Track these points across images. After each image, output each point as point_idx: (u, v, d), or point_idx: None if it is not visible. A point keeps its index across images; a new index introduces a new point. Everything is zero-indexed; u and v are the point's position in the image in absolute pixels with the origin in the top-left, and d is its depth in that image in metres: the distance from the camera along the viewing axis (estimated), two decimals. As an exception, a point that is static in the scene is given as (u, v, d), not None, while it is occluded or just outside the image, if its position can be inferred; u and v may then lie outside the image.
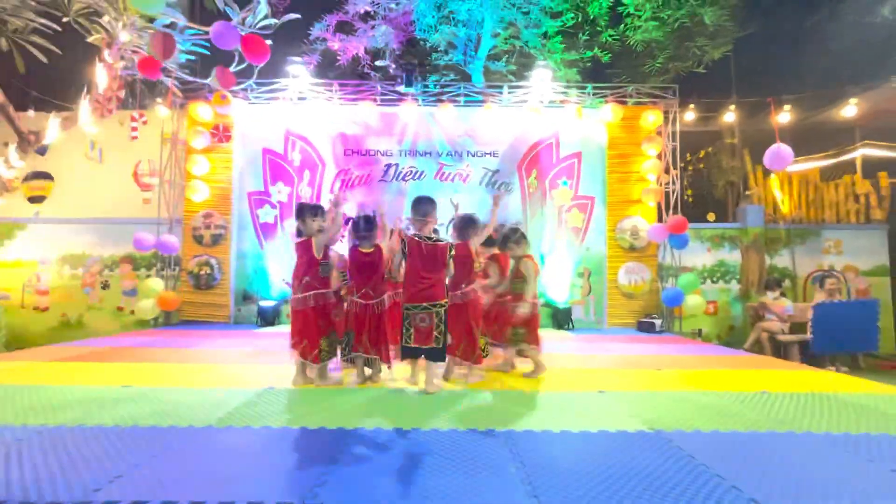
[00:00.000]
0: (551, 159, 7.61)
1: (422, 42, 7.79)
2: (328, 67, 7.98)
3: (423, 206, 3.25)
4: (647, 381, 3.43)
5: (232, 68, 6.26)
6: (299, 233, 3.25)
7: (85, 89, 6.24)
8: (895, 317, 7.64)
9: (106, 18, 5.46)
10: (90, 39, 5.72)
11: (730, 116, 8.18)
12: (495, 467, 1.84)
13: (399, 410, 2.64)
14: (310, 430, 2.25)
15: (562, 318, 7.03)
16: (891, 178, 7.90)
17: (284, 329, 6.72)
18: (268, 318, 7.05)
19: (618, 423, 2.41)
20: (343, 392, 3.03)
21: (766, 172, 8.20)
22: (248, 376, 3.47)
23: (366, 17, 7.71)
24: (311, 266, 3.17)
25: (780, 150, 5.66)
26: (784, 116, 7.62)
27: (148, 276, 7.33)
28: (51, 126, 6.42)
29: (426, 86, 7.34)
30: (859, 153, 8.28)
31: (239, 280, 7.43)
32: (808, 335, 6.25)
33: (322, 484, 1.65)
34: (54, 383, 3.15)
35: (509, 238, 3.70)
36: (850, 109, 7.64)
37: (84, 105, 6.14)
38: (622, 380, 3.47)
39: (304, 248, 3.21)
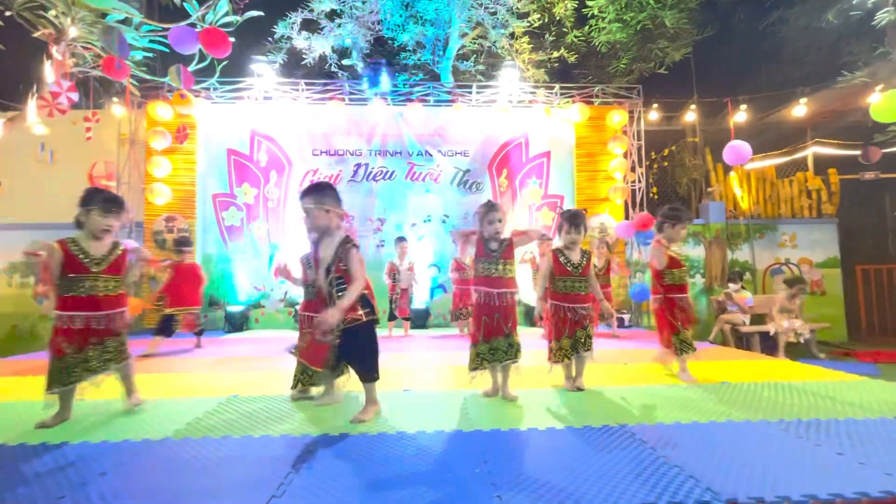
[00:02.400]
0: (521, 159, 7.69)
1: (390, 41, 7.73)
2: (294, 66, 7.82)
3: None
4: (614, 376, 3.50)
5: (193, 67, 6.06)
6: (79, 224, 2.51)
7: (34, 87, 5.91)
8: (846, 307, 8.07)
9: (53, 13, 5.18)
10: (36, 35, 5.42)
11: (691, 116, 8.46)
12: (461, 468, 1.83)
13: (367, 414, 2.59)
14: (272, 439, 2.18)
15: (534, 316, 7.12)
16: (839, 174, 8.34)
17: (253, 335, 6.56)
18: (235, 323, 6.86)
19: (584, 419, 2.44)
20: (313, 398, 2.97)
21: (727, 170, 8.53)
22: (212, 384, 3.35)
23: (332, 15, 7.60)
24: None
25: (737, 146, 5.86)
26: (741, 116, 7.94)
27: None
28: (-6, 126, 6.06)
29: (395, 85, 7.29)
30: (810, 151, 8.71)
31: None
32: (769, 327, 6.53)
33: (281, 495, 1.61)
34: (-2, 400, 2.96)
35: (681, 218, 3.31)
36: (800, 109, 8.02)
37: (31, 104, 5.82)
38: (591, 375, 3.51)
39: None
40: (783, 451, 1.99)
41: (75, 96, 5.73)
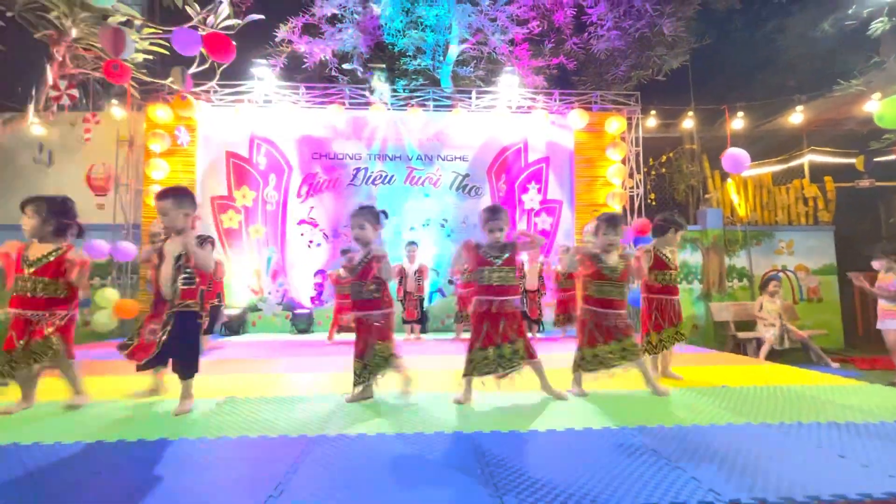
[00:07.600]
0: (520, 164, 7.72)
1: (390, 46, 7.77)
2: (294, 70, 7.85)
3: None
4: (613, 380, 3.47)
5: (194, 69, 6.07)
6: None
7: (33, 89, 5.91)
8: (843, 314, 8.08)
9: (54, 14, 5.19)
10: (37, 36, 5.43)
11: (688, 123, 8.52)
12: (461, 470, 1.81)
13: (363, 416, 2.57)
14: (269, 439, 2.16)
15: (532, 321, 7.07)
16: (835, 182, 8.39)
17: (250, 338, 6.51)
18: (232, 326, 6.82)
19: (584, 422, 2.42)
20: (310, 400, 2.94)
21: (724, 177, 8.57)
22: (209, 386, 3.31)
23: (333, 20, 7.64)
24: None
25: (735, 154, 5.85)
26: (738, 123, 7.99)
27: (103, 285, 6.96)
28: (-7, 127, 6.05)
29: (395, 90, 7.33)
30: (806, 159, 8.77)
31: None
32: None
33: (279, 495, 1.58)
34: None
35: (680, 224, 3.54)
36: (796, 117, 8.09)
37: (31, 105, 5.82)
38: (590, 379, 3.50)
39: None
40: (784, 454, 1.97)
41: (75, 93, 5.72)
